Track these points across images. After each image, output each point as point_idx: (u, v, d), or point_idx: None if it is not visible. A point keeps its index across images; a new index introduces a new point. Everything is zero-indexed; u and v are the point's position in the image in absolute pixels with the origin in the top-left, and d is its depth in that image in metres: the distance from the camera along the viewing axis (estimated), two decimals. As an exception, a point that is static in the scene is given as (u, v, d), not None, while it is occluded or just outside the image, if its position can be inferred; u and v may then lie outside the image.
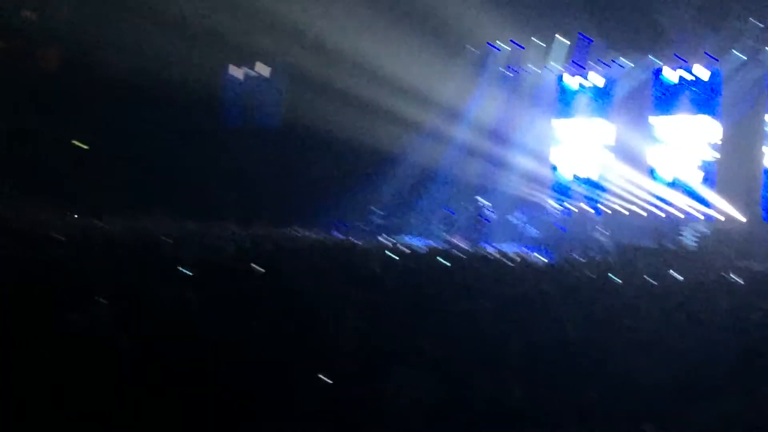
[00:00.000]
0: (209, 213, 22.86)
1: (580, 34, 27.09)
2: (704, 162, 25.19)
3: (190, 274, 9.26)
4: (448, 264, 13.79)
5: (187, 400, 4.65)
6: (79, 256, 10.91)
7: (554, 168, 28.96)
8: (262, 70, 31.73)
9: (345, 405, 4.88)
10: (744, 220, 23.18)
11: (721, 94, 24.81)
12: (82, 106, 27.73)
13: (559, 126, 28.95)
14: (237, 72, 32.33)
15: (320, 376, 4.99)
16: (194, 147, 27.97)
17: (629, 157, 26.00)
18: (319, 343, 6.01)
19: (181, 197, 25.39)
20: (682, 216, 24.95)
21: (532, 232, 27.10)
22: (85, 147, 29.22)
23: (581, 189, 27.84)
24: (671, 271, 14.86)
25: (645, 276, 13.39)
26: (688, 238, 23.08)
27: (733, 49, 24.44)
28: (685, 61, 25.42)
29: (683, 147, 25.66)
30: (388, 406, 4.86)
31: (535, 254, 21.47)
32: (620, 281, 12.43)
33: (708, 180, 24.93)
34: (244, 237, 18.16)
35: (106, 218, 21.21)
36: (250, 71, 32.10)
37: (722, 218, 24.00)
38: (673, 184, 25.66)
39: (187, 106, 27.89)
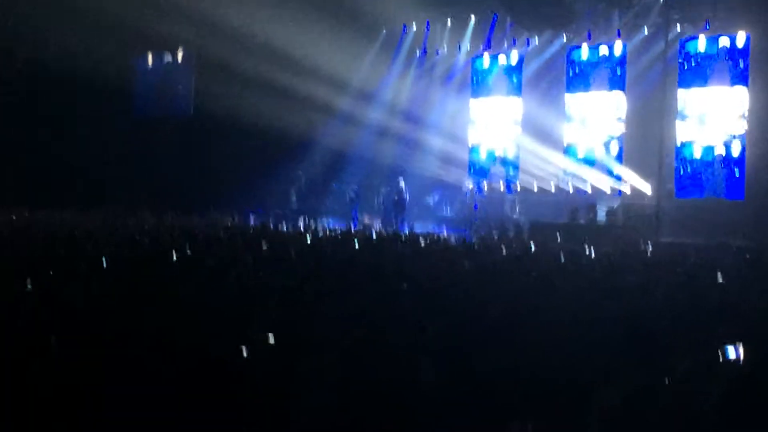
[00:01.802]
0: (121, 204, 22.49)
1: (493, 13, 27.32)
2: (615, 138, 25.67)
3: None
4: (362, 245, 13.83)
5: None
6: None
7: (471, 148, 29.17)
8: (172, 58, 31.26)
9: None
10: (650, 194, 23.66)
11: (627, 71, 25.28)
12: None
13: (475, 106, 29.15)
14: (146, 60, 31.81)
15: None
16: (103, 137, 27.47)
17: (543, 134, 26.33)
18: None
19: (91, 188, 24.93)
20: (592, 192, 25.40)
21: (448, 212, 27.32)
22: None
23: (497, 168, 28.11)
24: (584, 246, 15.14)
25: (556, 252, 13.63)
26: (599, 214, 23.54)
27: (641, 24, 24.96)
28: (591, 37, 25.88)
29: (595, 123, 26.11)
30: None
31: (447, 233, 21.71)
32: (533, 258, 12.63)
33: (619, 156, 25.41)
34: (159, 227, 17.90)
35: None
36: (159, 59, 31.60)
37: (629, 193, 24.49)
38: (586, 161, 26.09)
39: (96, 96, 27.39)
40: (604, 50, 25.79)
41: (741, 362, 5.68)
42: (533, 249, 14.37)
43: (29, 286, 7.13)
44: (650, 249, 16.19)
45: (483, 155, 28.99)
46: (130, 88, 31.14)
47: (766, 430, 4.28)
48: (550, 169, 26.29)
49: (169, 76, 31.35)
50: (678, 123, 24.23)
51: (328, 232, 19.04)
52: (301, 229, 21.12)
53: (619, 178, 25.03)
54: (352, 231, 21.03)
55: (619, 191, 24.90)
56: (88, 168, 26.36)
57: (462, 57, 29.11)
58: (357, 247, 13.81)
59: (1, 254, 10.64)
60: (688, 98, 24.21)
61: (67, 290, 7.30)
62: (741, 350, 5.76)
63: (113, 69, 27.68)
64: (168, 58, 31.25)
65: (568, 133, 26.75)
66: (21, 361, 4.80)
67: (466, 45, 28.73)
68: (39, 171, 26.50)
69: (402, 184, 25.62)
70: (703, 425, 4.36)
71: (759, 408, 4.35)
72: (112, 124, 28.35)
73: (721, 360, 5.72)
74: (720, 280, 9.70)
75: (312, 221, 25.29)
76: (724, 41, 23.52)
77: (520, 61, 27.90)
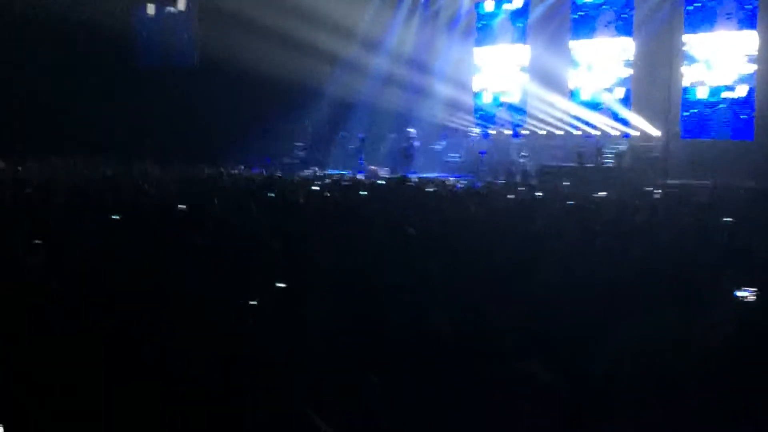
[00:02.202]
0: (128, 155, 22.49)
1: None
2: (621, 81, 25.52)
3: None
4: (368, 192, 13.84)
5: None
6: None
7: (476, 94, 29.03)
8: (175, 6, 31.01)
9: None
10: (658, 135, 23.56)
11: (634, 14, 25.04)
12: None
13: (480, 53, 28.95)
14: (149, 9, 31.56)
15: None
16: (108, 87, 27.34)
17: (549, 79, 26.14)
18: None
19: (98, 139, 24.89)
20: (600, 135, 25.29)
21: (454, 158, 27.28)
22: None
23: (503, 113, 27.99)
24: (592, 189, 15.14)
25: (564, 195, 13.63)
26: (607, 157, 23.48)
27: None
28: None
29: (601, 68, 25.92)
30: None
31: (454, 179, 21.73)
32: (540, 202, 12.62)
33: (626, 100, 25.27)
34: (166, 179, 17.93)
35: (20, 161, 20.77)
36: (161, 8, 31.36)
37: (638, 135, 24.37)
38: (592, 105, 25.95)
39: (99, 45, 27.23)
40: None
41: (748, 305, 5.70)
42: (540, 193, 14.36)
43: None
44: (658, 191, 16.18)
45: (489, 101, 28.84)
46: (132, 37, 30.94)
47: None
48: (556, 113, 26.15)
49: (173, 26, 31.13)
50: (685, 67, 24.03)
51: (333, 180, 19.04)
52: (308, 177, 21.15)
53: (626, 122, 24.91)
54: (358, 178, 21.07)
55: (627, 134, 24.79)
56: (91, 118, 26.27)
57: (466, 2, 28.84)
58: (364, 193, 13.82)
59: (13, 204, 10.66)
60: (695, 42, 23.99)
61: (75, 241, 7.33)
62: (748, 293, 5.78)
63: (115, 18, 27.49)
64: (171, 6, 30.99)
65: (574, 78, 26.57)
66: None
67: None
68: (39, 120, 26.43)
69: (413, 132, 25.57)
70: (705, 372, 4.37)
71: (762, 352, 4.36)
72: (115, 73, 28.18)
73: (727, 305, 5.75)
74: (727, 222, 9.70)
75: (318, 170, 25.32)
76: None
77: (526, 5, 27.62)
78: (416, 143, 25.61)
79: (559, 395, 3.78)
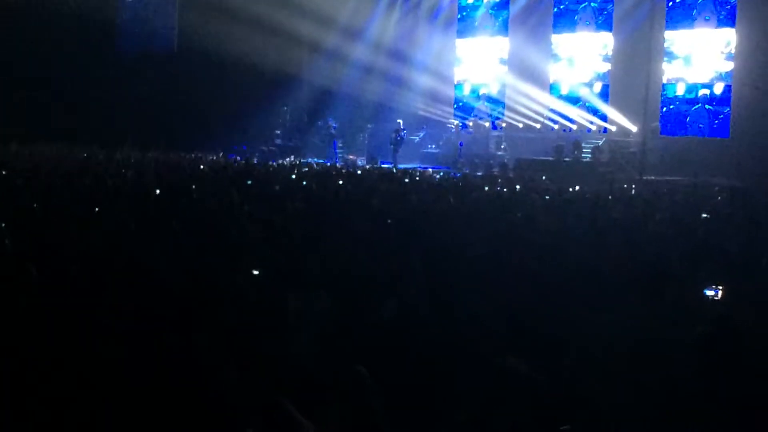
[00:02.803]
0: (106, 140, 22.35)
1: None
2: (601, 75, 25.65)
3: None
4: (345, 181, 13.84)
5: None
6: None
7: (456, 86, 29.06)
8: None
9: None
10: (635, 131, 23.67)
11: (614, 10, 25.16)
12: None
13: (461, 45, 28.97)
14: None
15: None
16: (87, 73, 27.13)
17: (529, 72, 26.19)
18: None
19: (76, 124, 24.71)
20: (577, 130, 25.38)
21: (433, 149, 27.31)
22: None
23: (482, 105, 28.01)
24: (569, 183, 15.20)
25: (541, 188, 13.68)
26: (585, 152, 23.56)
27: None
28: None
29: (581, 62, 26.04)
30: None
31: (432, 170, 21.78)
32: (518, 195, 12.65)
33: (605, 95, 25.39)
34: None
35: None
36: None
37: (616, 130, 24.47)
38: (571, 99, 26.04)
39: (79, 32, 27.00)
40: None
41: (722, 300, 5.76)
42: (518, 186, 14.41)
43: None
44: (634, 186, 16.27)
45: (468, 93, 28.90)
46: (112, 22, 30.69)
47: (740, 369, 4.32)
48: (535, 106, 26.22)
49: (152, 11, 30.91)
50: (665, 63, 24.21)
51: (310, 168, 19.05)
52: (285, 164, 21.13)
53: (604, 117, 25.02)
54: (333, 166, 21.08)
55: (605, 129, 24.91)
56: (70, 103, 26.07)
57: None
58: (340, 183, 13.82)
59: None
60: (675, 38, 24.17)
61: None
62: (722, 289, 5.84)
63: (97, 4, 27.26)
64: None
65: (554, 72, 26.66)
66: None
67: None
68: (19, 105, 26.19)
69: (401, 124, 25.63)
70: (681, 369, 4.41)
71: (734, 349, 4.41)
72: (94, 59, 27.96)
73: (702, 298, 5.81)
74: (702, 217, 9.79)
75: (296, 157, 25.28)
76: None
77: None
78: (404, 134, 25.70)
79: (537, 390, 3.81)
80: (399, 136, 25.25)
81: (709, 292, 5.92)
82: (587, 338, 4.74)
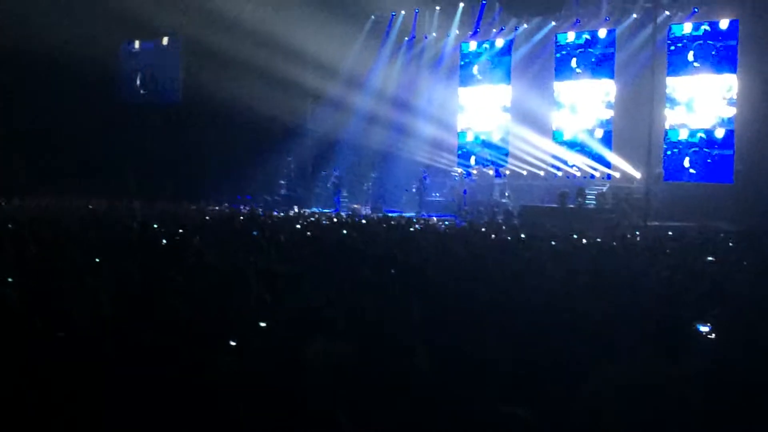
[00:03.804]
0: (112, 190, 22.45)
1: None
2: (603, 122, 25.75)
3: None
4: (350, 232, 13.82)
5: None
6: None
7: (460, 133, 29.17)
8: (160, 43, 31.10)
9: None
10: (639, 178, 23.67)
11: (616, 57, 25.33)
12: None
13: (463, 93, 29.14)
14: (134, 46, 31.68)
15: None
16: (91, 123, 27.33)
17: (532, 120, 26.29)
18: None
19: (82, 174, 24.84)
20: (581, 176, 25.44)
21: (437, 197, 27.37)
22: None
23: (486, 153, 28.09)
24: (574, 230, 15.17)
25: (546, 236, 13.65)
26: (589, 198, 23.59)
27: (629, 10, 25.02)
28: (579, 23, 26.03)
29: (584, 109, 26.15)
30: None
31: (436, 219, 21.79)
32: (524, 242, 12.63)
33: (608, 141, 25.46)
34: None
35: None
36: (146, 45, 31.46)
37: (618, 177, 24.51)
38: (575, 146, 26.12)
39: (83, 81, 27.22)
40: (594, 35, 25.82)
41: (730, 344, 5.71)
42: (523, 233, 14.39)
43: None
44: (639, 233, 16.25)
45: (471, 140, 29.00)
46: (117, 74, 30.97)
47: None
48: (538, 153, 26.31)
49: (157, 63, 31.20)
50: (667, 109, 24.33)
51: (315, 218, 19.06)
52: (289, 214, 21.15)
53: (608, 164, 25.08)
54: (338, 216, 21.09)
55: (609, 175, 24.96)
56: (75, 153, 26.23)
57: (450, 43, 29.06)
58: (345, 232, 13.82)
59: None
60: (677, 85, 24.31)
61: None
62: (729, 331, 5.79)
63: (100, 54, 27.49)
64: (156, 44, 31.08)
65: (556, 119, 26.78)
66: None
67: (454, 31, 28.69)
68: (23, 156, 26.34)
69: (425, 171, 25.96)
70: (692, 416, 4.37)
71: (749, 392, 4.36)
72: (98, 110, 28.17)
73: (711, 343, 5.76)
74: (708, 261, 9.75)
75: (300, 207, 25.34)
76: (711, 27, 23.62)
77: (509, 46, 27.85)
78: (427, 182, 25.97)
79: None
80: (422, 183, 25.63)
81: (717, 337, 5.88)
82: (594, 386, 4.70)
